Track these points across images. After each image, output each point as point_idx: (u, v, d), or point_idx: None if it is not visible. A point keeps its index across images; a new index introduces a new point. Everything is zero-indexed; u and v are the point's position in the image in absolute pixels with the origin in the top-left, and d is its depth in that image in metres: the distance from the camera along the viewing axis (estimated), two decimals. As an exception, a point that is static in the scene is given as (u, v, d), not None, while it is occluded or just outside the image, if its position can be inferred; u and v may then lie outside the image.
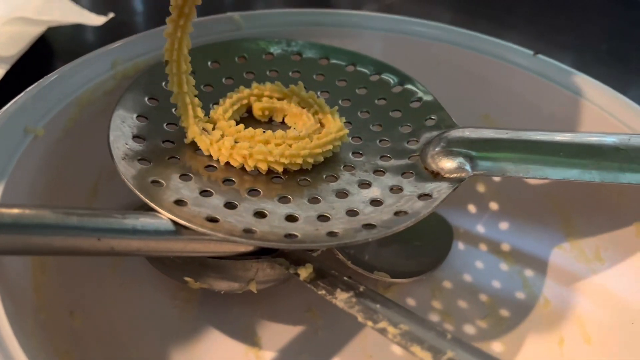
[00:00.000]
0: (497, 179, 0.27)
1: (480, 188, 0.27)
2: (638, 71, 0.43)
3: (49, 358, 0.15)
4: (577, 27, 0.48)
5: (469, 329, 0.23)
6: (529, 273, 0.24)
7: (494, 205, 0.27)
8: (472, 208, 0.27)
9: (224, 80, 0.23)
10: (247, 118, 0.22)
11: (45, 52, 0.37)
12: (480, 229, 0.26)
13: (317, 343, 0.22)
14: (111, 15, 0.36)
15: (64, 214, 0.15)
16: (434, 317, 0.23)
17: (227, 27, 0.25)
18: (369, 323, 0.16)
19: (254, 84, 0.22)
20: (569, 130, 0.20)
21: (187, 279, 0.20)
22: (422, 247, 0.25)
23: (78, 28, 0.38)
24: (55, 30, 0.36)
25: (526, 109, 0.25)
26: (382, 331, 0.16)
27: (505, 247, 0.26)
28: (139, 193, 0.17)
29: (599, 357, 0.21)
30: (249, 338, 0.22)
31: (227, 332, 0.22)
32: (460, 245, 0.26)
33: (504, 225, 0.26)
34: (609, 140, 0.20)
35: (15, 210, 0.14)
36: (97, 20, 0.35)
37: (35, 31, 0.34)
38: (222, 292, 0.20)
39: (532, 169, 0.20)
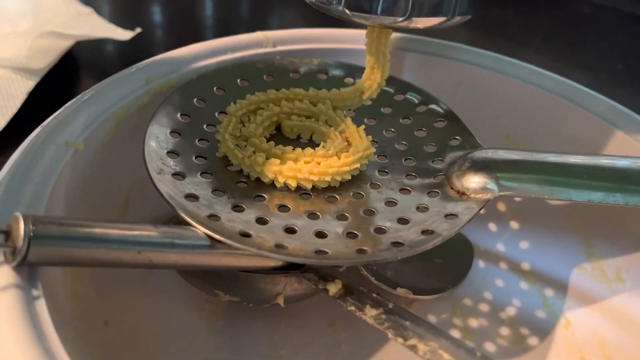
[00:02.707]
0: (517, 198, 0.27)
1: (501, 207, 0.27)
2: (654, 91, 0.44)
3: (88, 365, 0.16)
4: (593, 46, 0.49)
5: (490, 347, 0.23)
6: (549, 292, 0.25)
7: (514, 225, 0.27)
8: (492, 227, 0.27)
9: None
10: (276, 135, 0.23)
11: (72, 65, 0.38)
12: (500, 247, 0.27)
13: (341, 357, 0.22)
14: (138, 30, 0.37)
15: (108, 227, 0.15)
16: (455, 334, 0.24)
17: (256, 46, 0.26)
18: (400, 340, 0.16)
19: (284, 102, 0.23)
20: (591, 153, 0.21)
21: (217, 292, 0.20)
22: (443, 264, 0.25)
23: (103, 42, 0.39)
24: (82, 43, 0.37)
25: (547, 130, 0.26)
26: (412, 348, 0.16)
27: (526, 266, 0.26)
28: (175, 207, 0.18)
29: (620, 378, 0.21)
30: (274, 351, 0.22)
31: (251, 344, 0.22)
32: (481, 264, 0.26)
33: (524, 245, 0.26)
34: (634, 163, 0.20)
35: (62, 223, 0.15)
36: (124, 35, 0.36)
37: (65, 45, 0.35)
38: (250, 305, 0.21)
39: (556, 191, 0.20)
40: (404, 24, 0.20)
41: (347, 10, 0.20)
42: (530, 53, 0.47)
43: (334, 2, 0.20)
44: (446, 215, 0.20)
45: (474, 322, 0.24)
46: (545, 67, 0.27)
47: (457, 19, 0.21)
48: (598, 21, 0.53)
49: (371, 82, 0.23)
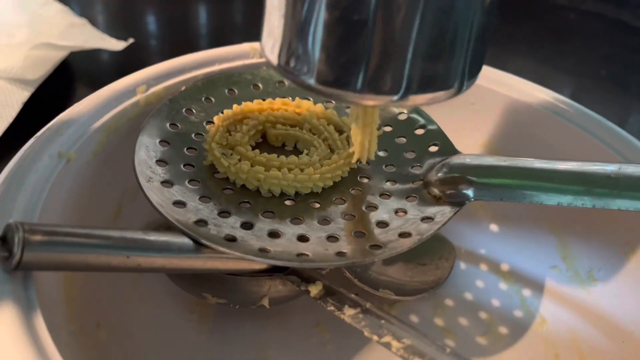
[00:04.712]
0: (497, 203, 0.28)
1: (482, 211, 0.28)
2: (637, 96, 0.45)
3: (80, 366, 0.17)
4: (578, 53, 0.50)
5: (469, 345, 0.24)
6: (526, 292, 0.26)
7: (494, 228, 0.28)
8: (473, 230, 0.28)
9: (239, 107, 0.25)
10: (261, 143, 0.24)
11: (67, 75, 0.39)
12: (481, 249, 0.28)
13: (325, 356, 0.23)
14: (131, 40, 0.38)
15: (98, 234, 0.16)
16: (436, 334, 0.24)
17: (244, 57, 0.27)
18: (375, 337, 0.17)
19: (269, 111, 0.24)
20: (564, 158, 0.22)
21: (205, 294, 0.21)
22: (425, 266, 0.26)
23: (97, 52, 0.40)
24: (76, 54, 0.38)
25: (524, 138, 0.27)
26: (387, 345, 0.17)
27: (505, 267, 0.27)
28: (164, 214, 0.19)
29: (592, 374, 0.22)
30: (261, 351, 0.23)
31: (239, 345, 0.23)
32: (462, 265, 0.27)
33: (503, 247, 0.27)
34: (601, 168, 0.21)
35: (54, 230, 0.16)
36: (117, 45, 0.37)
37: (59, 55, 0.36)
38: (237, 307, 0.22)
39: (528, 195, 0.21)
40: (398, 103, 0.15)
41: (319, 86, 0.15)
42: (516, 59, 0.48)
43: (304, 71, 0.15)
44: (423, 219, 0.21)
45: (454, 322, 0.25)
46: (530, 73, 0.28)
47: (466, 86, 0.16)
48: (583, 27, 0.54)
49: (358, 157, 0.21)
